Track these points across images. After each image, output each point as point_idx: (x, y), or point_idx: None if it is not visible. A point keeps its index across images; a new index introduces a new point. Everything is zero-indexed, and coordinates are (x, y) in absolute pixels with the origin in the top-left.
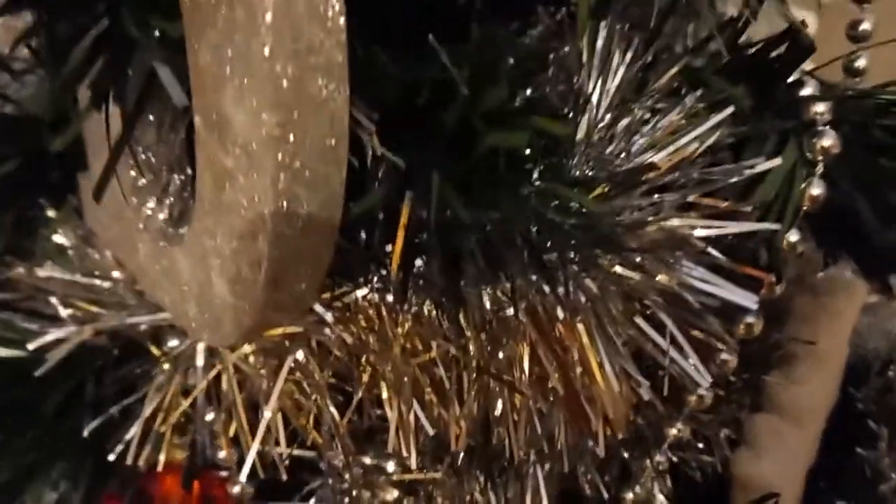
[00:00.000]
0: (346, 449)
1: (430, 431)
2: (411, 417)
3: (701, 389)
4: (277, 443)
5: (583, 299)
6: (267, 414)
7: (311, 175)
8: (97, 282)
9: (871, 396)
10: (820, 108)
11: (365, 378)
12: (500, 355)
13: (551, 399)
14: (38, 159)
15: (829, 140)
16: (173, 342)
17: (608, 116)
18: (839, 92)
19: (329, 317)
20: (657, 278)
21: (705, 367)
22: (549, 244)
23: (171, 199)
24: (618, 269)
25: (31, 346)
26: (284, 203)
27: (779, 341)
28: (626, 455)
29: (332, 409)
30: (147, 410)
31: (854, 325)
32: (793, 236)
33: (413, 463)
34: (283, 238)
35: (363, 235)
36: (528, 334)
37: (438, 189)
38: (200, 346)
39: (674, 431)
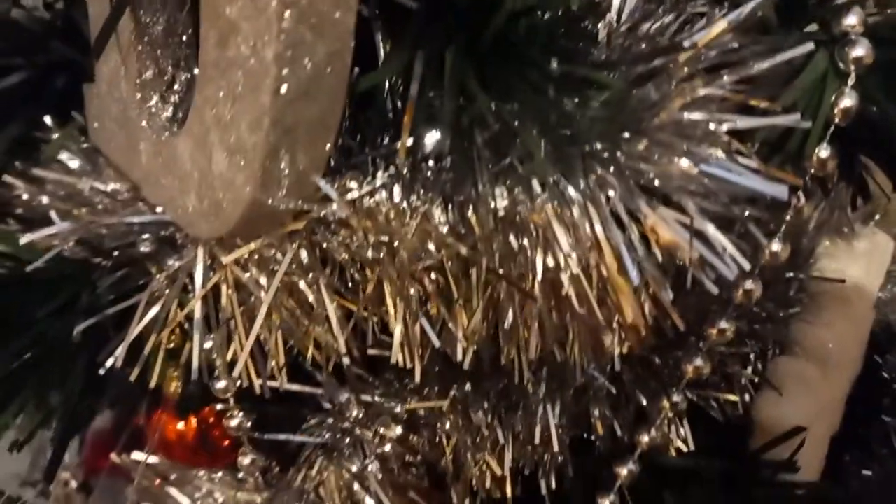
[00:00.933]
0: (350, 372)
1: (437, 343)
2: (416, 329)
3: (723, 322)
4: (277, 366)
5: (603, 196)
6: (262, 311)
7: (319, 18)
8: (98, 184)
9: None
10: (852, 19)
11: (369, 290)
12: (512, 266)
13: (565, 311)
14: (44, 71)
15: (861, 50)
16: (173, 263)
17: (630, 21)
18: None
19: (334, 195)
20: (681, 168)
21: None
22: (568, 136)
23: (176, 97)
24: (640, 162)
25: (21, 241)
26: (289, 49)
27: (804, 283)
28: (641, 396)
29: (335, 314)
30: (142, 320)
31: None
32: (823, 152)
33: (417, 376)
34: (286, 92)
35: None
36: (541, 234)
37: (453, 65)
38: (200, 255)
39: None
